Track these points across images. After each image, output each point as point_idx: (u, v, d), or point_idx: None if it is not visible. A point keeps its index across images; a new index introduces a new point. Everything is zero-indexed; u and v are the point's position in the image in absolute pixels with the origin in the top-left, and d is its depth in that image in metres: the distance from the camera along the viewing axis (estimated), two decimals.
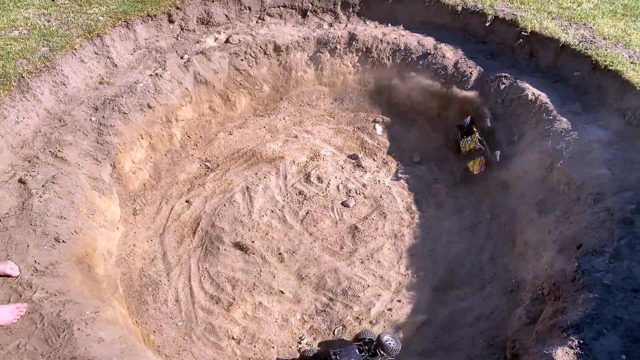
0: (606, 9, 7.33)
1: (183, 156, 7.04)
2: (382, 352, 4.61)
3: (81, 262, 5.10)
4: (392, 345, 4.64)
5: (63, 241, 5.00)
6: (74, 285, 4.72)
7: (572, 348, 3.97)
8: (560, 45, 6.66)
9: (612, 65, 6.10)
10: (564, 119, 6.03)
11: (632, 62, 6.12)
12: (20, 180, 5.36)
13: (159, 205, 6.48)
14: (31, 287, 4.40)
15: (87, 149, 6.02)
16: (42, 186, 5.34)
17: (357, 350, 4.61)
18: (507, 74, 6.81)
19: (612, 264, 4.57)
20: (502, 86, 6.75)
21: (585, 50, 6.42)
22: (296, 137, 7.42)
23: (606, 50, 6.37)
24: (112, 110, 6.38)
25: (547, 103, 6.27)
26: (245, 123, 7.59)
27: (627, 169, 5.36)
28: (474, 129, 6.67)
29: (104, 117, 6.31)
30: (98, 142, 6.14)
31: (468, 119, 6.77)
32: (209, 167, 6.98)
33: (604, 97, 6.18)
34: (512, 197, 6.25)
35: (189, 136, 7.22)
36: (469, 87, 7.02)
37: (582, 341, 3.99)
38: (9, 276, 4.41)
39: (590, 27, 6.85)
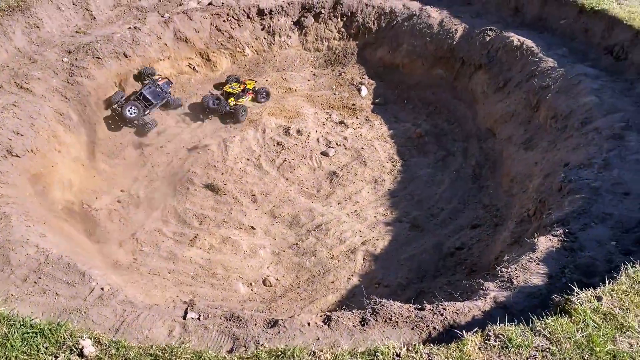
0: None
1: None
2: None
3: (36, 180, 4.80)
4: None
5: (17, 155, 4.72)
6: (22, 195, 4.41)
7: (556, 236, 3.61)
8: None
9: (598, 6, 5.95)
10: (550, 60, 5.82)
11: (616, 1, 5.97)
12: None
13: (132, 151, 6.21)
14: None
15: (55, 86, 5.81)
16: (2, 107, 5.10)
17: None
18: (492, 27, 6.65)
19: (600, 173, 4.24)
20: (487, 38, 6.57)
21: None
22: (278, 98, 7.21)
23: None
24: (85, 54, 6.21)
25: (532, 47, 6.08)
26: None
27: (616, 95, 5.11)
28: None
29: (76, 59, 6.13)
30: (68, 82, 5.94)
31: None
32: (185, 122, 6.74)
33: (591, 39, 5.99)
34: (498, 141, 5.97)
35: None
36: (454, 43, 6.85)
37: (567, 230, 3.63)
38: None
39: None
